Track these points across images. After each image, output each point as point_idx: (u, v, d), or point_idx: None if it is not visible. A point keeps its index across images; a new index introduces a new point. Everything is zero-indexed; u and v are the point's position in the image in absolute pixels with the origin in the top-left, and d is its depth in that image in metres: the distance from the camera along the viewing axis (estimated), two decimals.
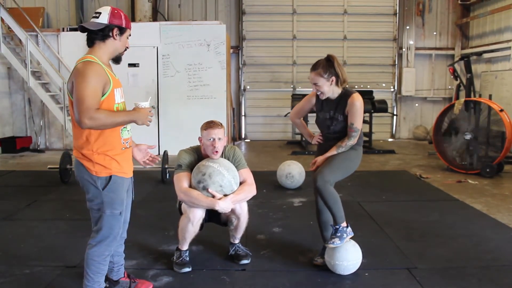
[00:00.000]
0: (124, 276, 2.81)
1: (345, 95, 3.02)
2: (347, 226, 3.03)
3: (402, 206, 4.85)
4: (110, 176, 2.35)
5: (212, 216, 3.20)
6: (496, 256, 3.43)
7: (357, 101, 2.97)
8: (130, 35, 2.46)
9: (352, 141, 3.00)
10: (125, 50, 2.49)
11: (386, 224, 4.14)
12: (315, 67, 3.01)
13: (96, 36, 2.36)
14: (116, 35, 2.37)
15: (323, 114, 3.11)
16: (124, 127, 2.43)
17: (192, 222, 3.02)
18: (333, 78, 2.98)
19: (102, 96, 2.28)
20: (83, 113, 2.16)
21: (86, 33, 2.39)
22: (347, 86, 3.09)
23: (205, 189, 2.94)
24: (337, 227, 2.99)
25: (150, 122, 2.41)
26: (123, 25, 2.38)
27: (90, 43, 2.39)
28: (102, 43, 2.37)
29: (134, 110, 2.37)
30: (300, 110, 3.30)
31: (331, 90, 3.02)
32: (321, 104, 3.13)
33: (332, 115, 3.06)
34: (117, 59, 2.48)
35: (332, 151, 3.02)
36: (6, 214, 4.52)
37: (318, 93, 3.05)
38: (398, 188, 5.60)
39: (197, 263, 3.23)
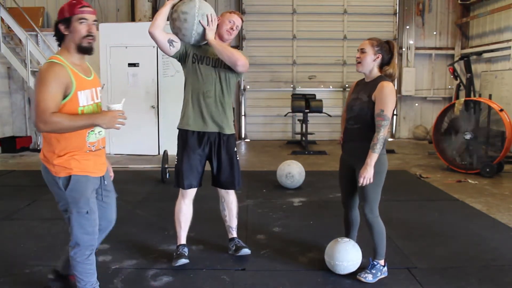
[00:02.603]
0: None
1: (379, 79, 2.89)
2: (384, 265, 3.03)
3: (402, 206, 4.85)
4: (70, 176, 2.29)
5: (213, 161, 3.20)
6: (496, 256, 3.43)
7: (388, 87, 2.82)
8: (83, 18, 2.24)
9: (383, 132, 2.78)
10: (89, 36, 2.27)
11: (386, 224, 4.09)
12: (372, 38, 2.96)
13: (57, 40, 2.33)
14: (64, 29, 2.26)
15: (352, 96, 3.02)
16: (91, 131, 2.33)
17: (185, 198, 3.16)
18: (380, 56, 2.89)
19: (64, 98, 2.20)
20: (38, 116, 2.12)
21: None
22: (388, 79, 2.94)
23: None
24: (375, 263, 2.99)
25: (120, 125, 2.27)
26: (66, 16, 2.24)
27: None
28: (64, 42, 2.31)
29: (101, 113, 2.29)
30: (346, 103, 3.18)
31: (370, 66, 2.91)
32: (356, 87, 3.05)
33: (358, 96, 2.94)
34: (81, 50, 2.29)
35: (370, 156, 2.79)
36: (6, 214, 4.52)
37: (357, 63, 2.94)
38: (398, 188, 5.60)
39: (197, 263, 3.23)
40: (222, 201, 3.33)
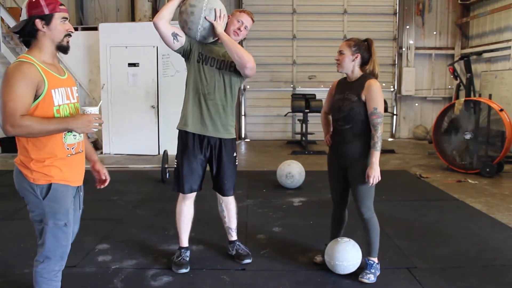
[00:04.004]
0: None
1: (363, 78, 2.89)
2: (378, 263, 3.04)
3: (402, 205, 4.85)
4: (50, 184, 2.11)
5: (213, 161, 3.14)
6: (496, 256, 3.43)
7: (376, 84, 2.83)
8: (65, 18, 2.13)
9: (380, 129, 2.79)
10: (68, 36, 2.15)
11: (386, 224, 4.14)
12: (349, 39, 2.99)
13: (24, 35, 2.10)
14: (43, 26, 2.06)
15: (337, 96, 3.00)
16: (68, 132, 2.14)
17: (185, 200, 3.12)
18: (359, 56, 2.89)
19: (37, 98, 2.03)
20: (6, 119, 1.95)
21: (19, 37, 2.14)
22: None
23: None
24: (372, 262, 3.00)
25: (95, 129, 2.13)
26: (46, 12, 2.05)
27: (27, 44, 2.14)
28: (35, 40, 2.10)
29: (75, 116, 2.13)
30: (326, 103, 3.17)
31: (351, 66, 2.91)
32: (339, 87, 3.04)
33: (345, 96, 2.92)
34: (61, 49, 2.16)
35: (373, 155, 2.80)
36: (6, 213, 4.51)
37: (337, 64, 2.95)
38: (398, 188, 5.60)
39: (197, 263, 3.23)
40: (220, 202, 3.30)
